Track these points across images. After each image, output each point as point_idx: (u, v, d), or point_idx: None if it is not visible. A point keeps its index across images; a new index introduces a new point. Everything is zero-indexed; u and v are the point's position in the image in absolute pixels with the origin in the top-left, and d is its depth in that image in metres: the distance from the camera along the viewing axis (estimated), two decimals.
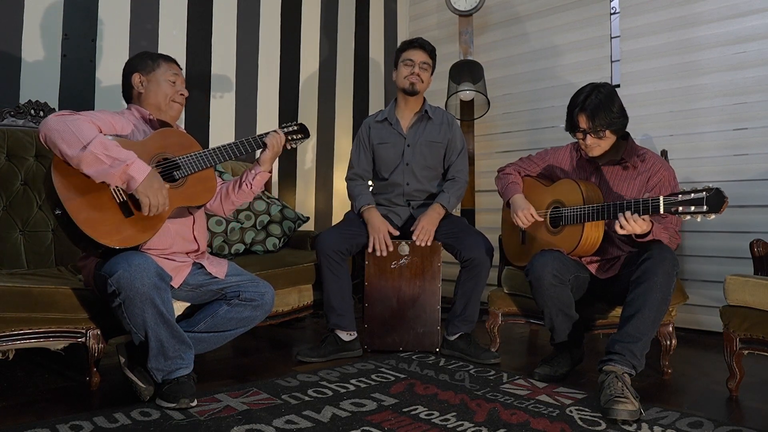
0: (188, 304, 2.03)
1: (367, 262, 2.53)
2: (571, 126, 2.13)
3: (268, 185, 3.19)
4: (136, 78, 1.97)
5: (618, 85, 3.22)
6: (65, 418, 1.62)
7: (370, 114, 3.30)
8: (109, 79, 2.82)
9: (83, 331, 1.90)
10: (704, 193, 1.72)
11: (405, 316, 2.51)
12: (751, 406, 1.91)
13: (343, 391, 1.92)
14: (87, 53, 2.78)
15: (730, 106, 2.86)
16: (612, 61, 3.29)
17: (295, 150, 3.67)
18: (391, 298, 2.51)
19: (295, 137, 2.14)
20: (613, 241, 2.17)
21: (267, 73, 3.52)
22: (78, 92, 2.75)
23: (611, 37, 3.30)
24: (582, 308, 2.21)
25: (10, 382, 2.01)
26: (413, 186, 2.64)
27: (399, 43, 2.78)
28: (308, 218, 3.05)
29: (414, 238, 2.48)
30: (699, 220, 1.75)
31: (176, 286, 1.89)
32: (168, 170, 1.86)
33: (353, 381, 2.03)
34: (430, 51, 2.63)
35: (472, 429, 1.61)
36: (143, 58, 2.00)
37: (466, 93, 3.41)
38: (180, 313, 2.00)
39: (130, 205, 1.77)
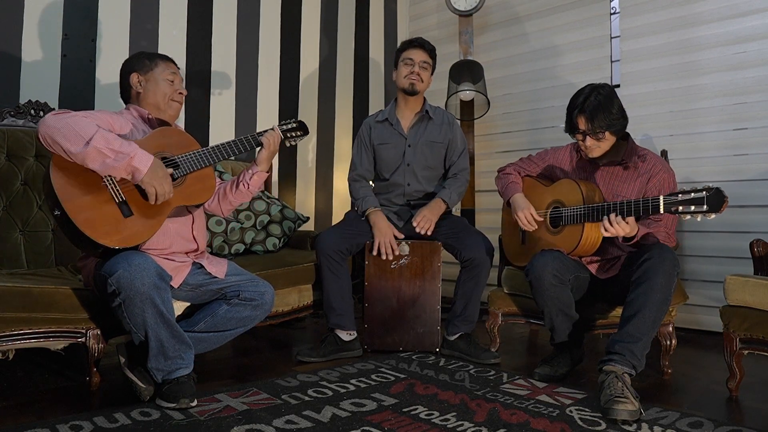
0: (188, 304, 2.03)
1: (367, 262, 2.53)
2: (571, 127, 2.13)
3: (268, 185, 3.19)
4: (134, 78, 1.97)
5: (618, 85, 3.22)
6: (65, 418, 1.62)
7: (370, 114, 3.30)
8: (109, 79, 2.82)
9: (83, 331, 1.90)
10: (704, 192, 1.73)
11: (405, 316, 2.51)
12: (751, 406, 1.91)
13: (343, 391, 1.92)
14: (87, 53, 2.78)
15: (730, 106, 2.86)
16: (612, 61, 3.29)
17: (295, 150, 3.67)
18: (391, 298, 2.51)
19: (294, 134, 2.14)
20: (613, 241, 2.17)
21: (267, 73, 3.52)
22: (78, 92, 2.75)
23: (611, 37, 3.30)
24: (582, 308, 2.21)
25: (10, 382, 2.01)
26: (414, 186, 2.64)
27: (399, 43, 2.78)
28: (308, 218, 3.05)
29: (414, 224, 2.47)
30: (699, 219, 1.75)
31: (176, 286, 1.89)
32: None
33: (353, 381, 2.03)
34: (430, 50, 2.63)
35: (472, 429, 1.61)
36: (140, 58, 2.00)
37: (466, 93, 3.41)
38: (180, 312, 2.00)
39: (129, 204, 1.77)
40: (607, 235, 1.94)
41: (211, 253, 2.59)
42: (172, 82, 1.99)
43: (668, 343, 2.19)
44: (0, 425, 1.59)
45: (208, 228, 2.54)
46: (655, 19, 3.09)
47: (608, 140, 2.10)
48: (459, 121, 3.32)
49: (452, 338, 2.45)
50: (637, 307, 1.88)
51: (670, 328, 2.19)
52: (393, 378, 2.08)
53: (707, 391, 2.06)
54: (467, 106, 3.51)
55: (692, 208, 1.75)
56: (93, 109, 2.73)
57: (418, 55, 2.59)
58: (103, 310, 1.88)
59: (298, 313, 2.62)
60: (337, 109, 3.94)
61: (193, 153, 1.91)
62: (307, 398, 1.84)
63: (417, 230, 2.47)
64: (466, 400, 1.84)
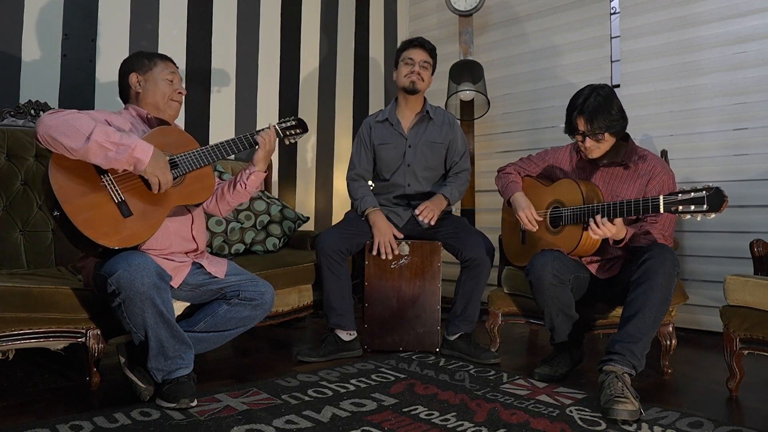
0: (188, 304, 2.03)
1: (367, 262, 2.53)
2: (570, 129, 2.13)
3: (268, 185, 3.19)
4: (133, 78, 1.97)
5: (618, 85, 3.22)
6: (65, 418, 1.62)
7: (370, 114, 3.30)
8: (109, 80, 2.82)
9: (83, 331, 1.90)
10: (704, 192, 1.73)
11: (405, 316, 2.51)
12: (751, 406, 1.91)
13: (343, 391, 1.92)
14: (87, 53, 2.78)
15: (730, 106, 2.86)
16: (612, 61, 3.29)
17: (295, 150, 3.67)
18: (391, 298, 2.51)
19: (293, 132, 2.14)
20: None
21: (267, 73, 3.52)
22: (78, 92, 2.75)
23: (611, 37, 3.30)
24: (582, 308, 2.21)
25: (10, 382, 2.01)
26: (414, 187, 2.64)
27: (399, 43, 2.77)
28: (308, 218, 3.05)
29: (417, 212, 2.47)
30: (699, 219, 1.75)
31: (176, 286, 1.89)
32: None
33: (353, 381, 2.03)
34: (431, 50, 2.62)
35: (472, 429, 1.61)
36: (139, 58, 1.99)
37: (466, 93, 3.41)
38: (180, 312, 2.00)
39: (128, 204, 1.76)
40: (595, 237, 1.97)
41: (211, 253, 2.59)
42: (171, 81, 1.99)
43: (668, 343, 2.19)
44: (0, 425, 1.59)
45: (208, 228, 2.54)
46: (655, 19, 3.09)
47: (608, 141, 2.10)
48: (459, 121, 3.32)
49: (452, 338, 2.45)
50: (637, 307, 1.88)
51: (670, 328, 2.19)
52: (393, 378, 2.08)
53: (707, 391, 2.06)
54: (467, 106, 3.51)
55: (692, 207, 1.75)
56: (93, 109, 2.72)
57: (418, 55, 2.58)
58: (103, 310, 1.88)
59: (298, 313, 2.62)
60: (337, 109, 3.94)
61: (192, 152, 1.91)
62: (307, 398, 1.84)
63: (420, 218, 2.47)
64: (466, 400, 1.84)
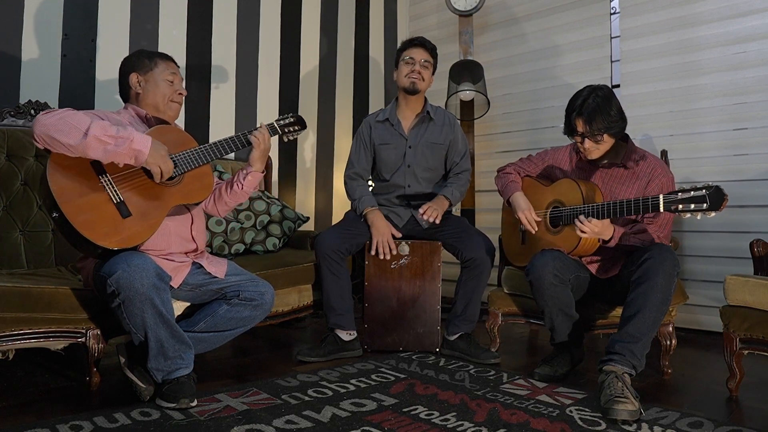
0: (188, 304, 2.03)
1: (367, 262, 2.53)
2: (569, 130, 2.13)
3: (268, 185, 3.19)
4: (133, 78, 1.96)
5: (618, 85, 3.22)
6: (65, 418, 1.62)
7: (370, 113, 3.30)
8: (108, 79, 2.82)
9: (83, 331, 1.90)
10: (704, 190, 1.73)
11: (405, 316, 2.51)
12: (751, 406, 1.91)
13: (343, 391, 1.92)
14: (87, 53, 2.78)
15: (730, 106, 2.86)
16: (612, 61, 3.29)
17: (295, 150, 3.67)
18: (391, 298, 2.51)
19: (291, 129, 2.14)
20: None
21: (267, 73, 3.52)
22: (78, 92, 2.75)
23: (611, 37, 3.30)
24: (582, 308, 2.21)
25: (10, 382, 2.01)
26: (414, 188, 2.64)
27: (399, 43, 2.77)
28: (308, 218, 3.05)
29: (421, 212, 2.46)
30: (699, 218, 1.75)
31: (176, 286, 1.89)
32: None
33: (353, 381, 2.03)
34: (431, 49, 2.62)
35: (472, 429, 1.61)
36: (140, 57, 1.99)
37: (466, 93, 3.41)
38: (180, 312, 2.00)
39: (127, 205, 1.76)
40: (584, 236, 1.99)
41: (211, 253, 2.59)
42: (172, 82, 1.99)
43: (668, 343, 2.19)
44: (0, 425, 1.59)
45: (208, 228, 2.55)
46: (655, 19, 3.09)
47: (607, 142, 2.10)
48: (459, 121, 3.32)
49: (452, 338, 2.45)
50: (637, 307, 1.88)
51: (670, 328, 2.19)
52: (393, 378, 2.08)
53: (707, 391, 2.06)
54: (467, 106, 3.51)
55: (692, 206, 1.75)
56: (92, 109, 2.72)
57: (419, 54, 2.58)
58: (103, 310, 1.88)
59: (298, 313, 2.62)
60: (337, 109, 3.94)
61: (190, 151, 1.90)
62: (307, 398, 1.84)
63: (425, 218, 2.46)
64: (466, 400, 1.84)
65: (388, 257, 2.48)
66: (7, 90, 2.54)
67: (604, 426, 1.65)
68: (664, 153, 2.85)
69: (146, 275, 1.68)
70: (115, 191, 1.76)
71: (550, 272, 2.04)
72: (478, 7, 3.47)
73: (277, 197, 3.27)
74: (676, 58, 3.02)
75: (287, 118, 2.14)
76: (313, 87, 3.79)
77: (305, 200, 3.73)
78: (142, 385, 1.76)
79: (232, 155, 3.21)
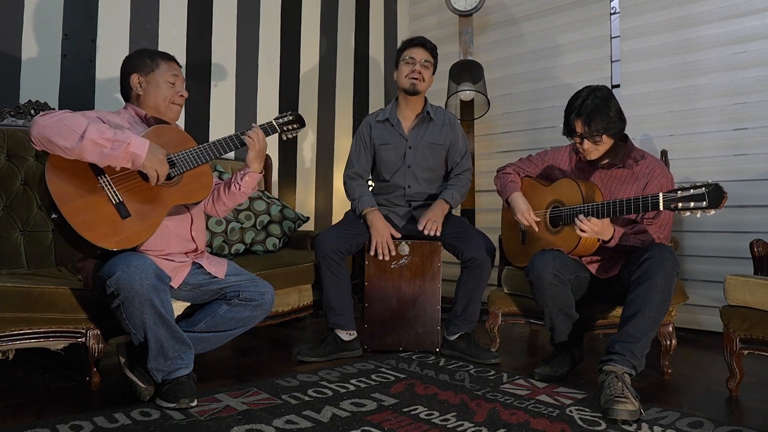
0: (188, 304, 2.03)
1: (367, 262, 2.53)
2: (568, 130, 2.13)
3: (268, 185, 3.19)
4: (134, 79, 1.95)
5: (618, 85, 3.22)
6: (65, 418, 1.62)
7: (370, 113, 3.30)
8: (108, 79, 2.82)
9: (83, 331, 1.90)
10: (703, 188, 1.73)
11: (405, 316, 2.51)
12: (751, 406, 1.91)
13: (343, 391, 1.92)
14: (87, 53, 2.78)
15: (730, 106, 2.86)
16: (612, 61, 3.29)
17: (295, 150, 3.67)
18: (391, 298, 2.51)
19: (290, 127, 2.13)
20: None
21: (267, 73, 3.52)
22: (78, 92, 2.75)
23: (611, 37, 3.30)
24: (582, 308, 2.21)
25: (10, 382, 2.01)
26: (414, 188, 2.64)
27: (399, 43, 2.77)
28: (308, 218, 3.05)
29: (420, 228, 2.46)
30: (699, 216, 1.75)
31: (176, 286, 1.89)
32: None
33: (353, 381, 2.03)
34: (432, 49, 2.62)
35: (472, 429, 1.61)
36: (142, 57, 1.97)
37: (466, 93, 3.41)
38: (180, 313, 2.00)
39: (126, 205, 1.76)
40: (584, 235, 2.00)
41: (211, 253, 2.59)
42: (173, 84, 1.98)
43: (668, 343, 2.19)
44: (0, 425, 1.59)
45: (208, 228, 2.54)
46: (655, 19, 3.09)
47: (606, 143, 2.10)
48: (459, 121, 3.32)
49: (452, 338, 2.45)
50: (637, 307, 1.88)
51: (670, 328, 2.19)
52: (393, 378, 2.08)
53: (707, 391, 2.06)
54: (467, 106, 3.51)
55: (692, 204, 1.75)
56: (92, 109, 2.72)
57: (419, 54, 2.58)
58: (103, 311, 1.88)
59: (298, 313, 2.62)
60: (337, 109, 3.94)
61: (189, 151, 1.90)
62: (307, 398, 1.84)
63: (425, 232, 2.46)
64: (466, 400, 1.84)
65: (387, 258, 2.48)
66: (7, 90, 2.54)
67: (604, 426, 1.65)
68: (664, 153, 2.85)
69: (145, 276, 1.68)
70: (114, 192, 1.75)
71: (550, 272, 2.04)
72: (478, 7, 3.47)
73: (277, 197, 3.27)
74: (676, 58, 3.02)
75: (286, 116, 2.14)
76: (313, 87, 3.79)
77: (305, 200, 3.73)
78: (142, 385, 1.76)
79: (231, 155, 3.21)
